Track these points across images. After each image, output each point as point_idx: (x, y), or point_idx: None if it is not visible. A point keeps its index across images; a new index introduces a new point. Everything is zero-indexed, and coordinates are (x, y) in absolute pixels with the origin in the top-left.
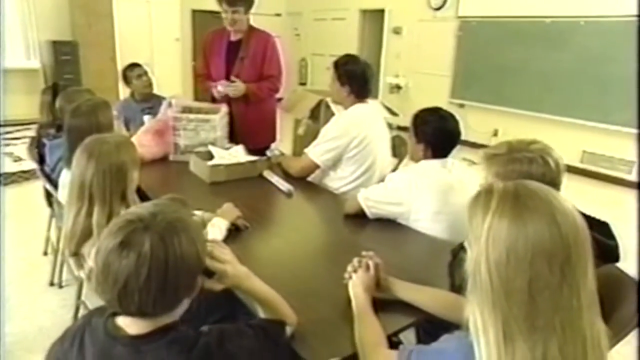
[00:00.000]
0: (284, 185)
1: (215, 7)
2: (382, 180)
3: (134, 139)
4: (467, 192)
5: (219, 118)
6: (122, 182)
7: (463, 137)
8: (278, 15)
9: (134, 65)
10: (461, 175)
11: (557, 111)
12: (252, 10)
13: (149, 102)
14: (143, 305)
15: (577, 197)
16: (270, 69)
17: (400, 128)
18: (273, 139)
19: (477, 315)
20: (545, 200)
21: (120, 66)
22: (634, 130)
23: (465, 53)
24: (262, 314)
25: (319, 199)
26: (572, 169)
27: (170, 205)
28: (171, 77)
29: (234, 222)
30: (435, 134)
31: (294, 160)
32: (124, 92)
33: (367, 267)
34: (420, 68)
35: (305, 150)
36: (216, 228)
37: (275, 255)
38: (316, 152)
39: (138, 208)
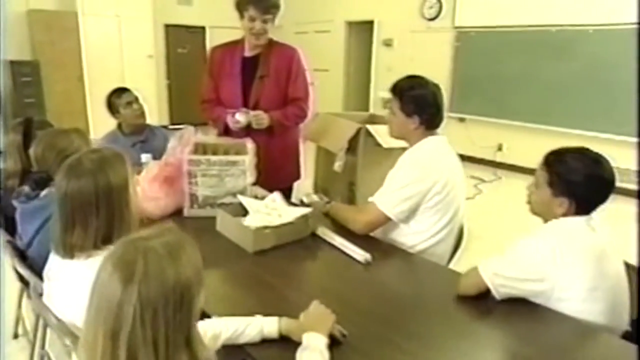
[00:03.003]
0: (355, 251)
1: (191, 21)
2: (461, 230)
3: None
4: (619, 258)
5: (249, 160)
6: (186, 320)
7: (466, 152)
8: None
9: (122, 91)
10: (608, 235)
11: (565, 123)
12: (227, 24)
13: (141, 134)
14: None
15: None
16: (297, 90)
17: None
18: (297, 176)
19: None
20: None
21: (88, 87)
22: None
23: (464, 65)
24: None
25: (407, 268)
26: None
27: None
28: (145, 97)
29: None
30: (587, 184)
31: (355, 211)
32: (93, 115)
33: None
34: None
35: (372, 199)
36: (316, 354)
37: None
38: (387, 203)
39: None
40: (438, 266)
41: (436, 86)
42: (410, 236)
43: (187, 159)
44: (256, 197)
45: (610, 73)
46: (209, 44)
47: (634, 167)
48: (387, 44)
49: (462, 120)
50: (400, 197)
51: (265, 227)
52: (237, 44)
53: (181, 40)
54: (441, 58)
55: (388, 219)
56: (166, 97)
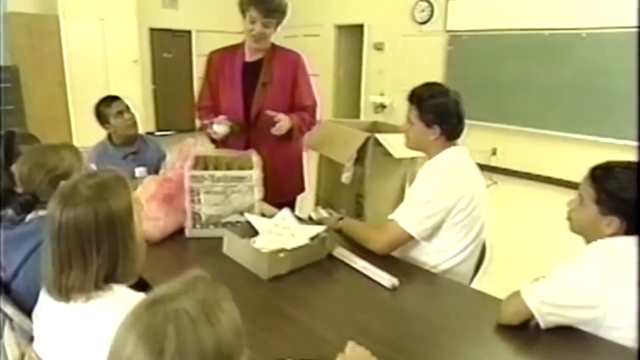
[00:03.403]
0: (380, 275)
1: (176, 25)
2: (483, 247)
3: None
4: None
5: (257, 175)
6: None
7: None
8: (240, 33)
9: (111, 99)
10: None
11: (560, 127)
12: (213, 28)
13: (133, 145)
14: None
15: None
16: (304, 98)
17: None
18: (301, 189)
19: None
20: None
21: (70, 93)
22: None
23: (456, 68)
24: None
25: (436, 292)
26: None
27: None
28: (132, 104)
29: None
30: None
31: (374, 230)
32: (76, 123)
33: None
34: (407, 85)
35: (392, 216)
36: None
37: None
38: (410, 220)
39: None
40: (471, 290)
41: (457, 94)
42: (433, 255)
43: (189, 174)
44: (263, 214)
45: (604, 77)
46: (195, 49)
47: None
48: (378, 47)
49: None
50: (424, 214)
51: (280, 251)
52: (237, 48)
53: (166, 44)
54: (433, 62)
55: (411, 238)
56: (152, 103)
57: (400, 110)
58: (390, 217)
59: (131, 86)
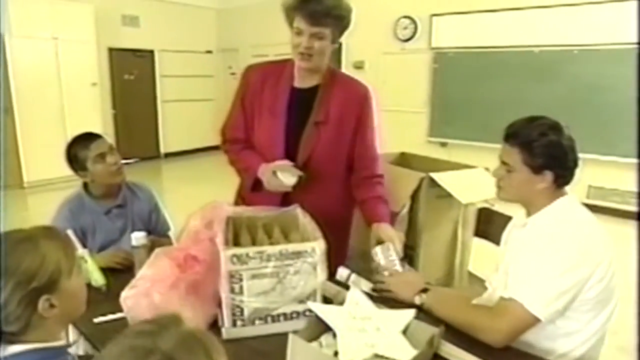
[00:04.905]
0: None
1: (138, 44)
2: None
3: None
4: None
5: (321, 248)
6: None
7: None
8: (209, 52)
9: (89, 138)
10: None
11: None
12: (179, 48)
13: (117, 197)
14: None
15: None
16: (367, 148)
17: None
18: (346, 253)
19: None
20: None
21: (19, 121)
22: None
23: (443, 87)
24: None
25: None
26: None
27: None
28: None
29: None
30: None
31: (483, 314)
32: (25, 156)
33: None
34: (390, 105)
35: (511, 295)
36: None
37: None
38: (537, 300)
39: None
40: None
41: (569, 128)
42: (560, 340)
43: (228, 254)
44: (325, 298)
45: (599, 94)
46: (159, 69)
47: (622, 188)
48: (358, 66)
49: (443, 145)
50: (556, 291)
51: None
52: (285, 66)
53: (127, 65)
54: (418, 80)
55: (537, 322)
56: (112, 129)
57: (383, 130)
58: (507, 295)
59: (89, 111)
